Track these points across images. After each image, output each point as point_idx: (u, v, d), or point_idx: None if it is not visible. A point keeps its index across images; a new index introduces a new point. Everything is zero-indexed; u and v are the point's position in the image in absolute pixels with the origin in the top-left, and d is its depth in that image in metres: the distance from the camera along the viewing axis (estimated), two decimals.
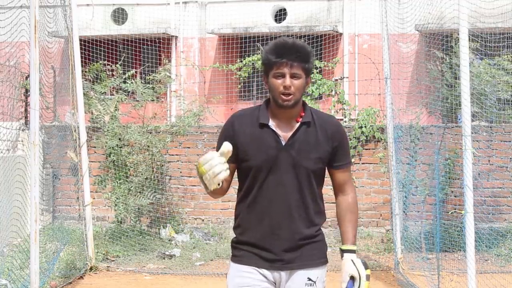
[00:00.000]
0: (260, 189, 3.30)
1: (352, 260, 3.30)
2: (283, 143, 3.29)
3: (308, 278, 3.33)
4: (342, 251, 3.35)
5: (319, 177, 3.36)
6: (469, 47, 6.07)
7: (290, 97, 3.23)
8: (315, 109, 3.42)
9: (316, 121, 3.34)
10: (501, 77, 9.23)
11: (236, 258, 3.39)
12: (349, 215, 3.39)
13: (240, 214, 3.39)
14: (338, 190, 3.44)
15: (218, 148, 3.27)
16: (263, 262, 3.31)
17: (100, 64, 11.21)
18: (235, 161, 3.32)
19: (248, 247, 3.34)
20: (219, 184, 3.14)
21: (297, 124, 3.31)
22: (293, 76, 3.22)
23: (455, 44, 9.23)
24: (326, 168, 3.40)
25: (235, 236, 3.43)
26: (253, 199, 3.32)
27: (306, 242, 3.33)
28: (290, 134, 3.30)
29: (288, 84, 3.21)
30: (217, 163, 3.08)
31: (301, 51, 3.23)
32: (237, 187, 3.45)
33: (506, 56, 9.49)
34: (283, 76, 3.22)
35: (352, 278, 3.29)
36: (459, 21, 5.99)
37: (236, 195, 3.47)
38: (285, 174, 3.28)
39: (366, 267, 3.31)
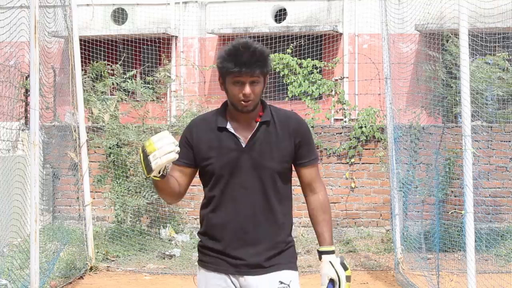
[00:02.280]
0: (223, 194, 3.19)
1: (330, 262, 3.18)
2: (243, 144, 3.18)
3: (279, 281, 3.19)
4: (320, 253, 3.23)
5: (284, 178, 3.23)
6: (469, 47, 6.08)
7: (249, 102, 3.13)
8: (275, 107, 3.31)
9: (276, 119, 3.23)
10: (495, 74, 9.22)
11: (203, 263, 3.29)
12: (323, 215, 3.26)
13: (204, 220, 3.28)
14: (307, 189, 3.30)
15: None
16: (229, 268, 3.20)
17: (101, 63, 11.21)
18: (193, 165, 3.24)
19: (214, 253, 3.23)
20: (163, 173, 3.02)
21: (257, 124, 3.21)
22: (252, 83, 3.12)
23: (447, 41, 9.23)
24: (291, 167, 3.27)
25: (200, 240, 3.32)
26: (217, 204, 3.21)
27: (274, 247, 3.20)
28: (249, 135, 3.20)
29: (249, 93, 3.11)
30: (169, 142, 2.96)
31: (261, 58, 3.11)
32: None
33: (501, 54, 9.49)
34: (242, 84, 3.12)
35: (332, 280, 3.17)
36: (459, 21, 5.99)
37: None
38: (248, 176, 3.17)
39: (346, 268, 3.18)
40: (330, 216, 3.30)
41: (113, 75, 10.96)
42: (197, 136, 3.22)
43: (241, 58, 3.09)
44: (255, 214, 3.18)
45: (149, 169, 2.98)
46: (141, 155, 2.99)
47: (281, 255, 3.23)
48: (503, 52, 9.42)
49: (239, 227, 3.18)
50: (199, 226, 11.00)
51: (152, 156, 2.95)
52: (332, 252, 3.22)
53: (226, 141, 3.19)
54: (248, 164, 3.17)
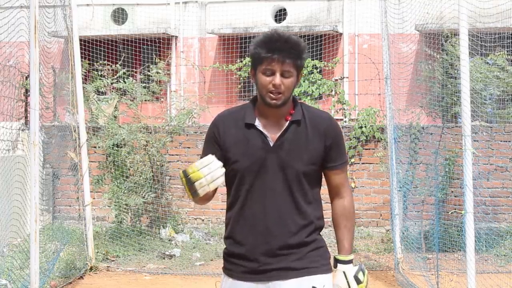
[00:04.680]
0: (248, 195, 3.05)
1: (344, 272, 3.07)
2: (271, 144, 3.04)
3: (313, 286, 3.04)
4: (336, 261, 3.11)
5: (312, 179, 3.09)
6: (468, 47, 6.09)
7: (279, 96, 2.98)
8: (307, 105, 3.16)
9: (307, 119, 3.07)
10: (492, 73, 9.22)
11: (228, 271, 3.15)
12: (345, 221, 3.13)
13: (229, 223, 3.14)
14: (333, 193, 3.17)
15: (204, 152, 3.08)
16: (257, 275, 3.06)
17: (87, 63, 11.18)
18: (222, 163, 3.04)
19: (240, 260, 3.09)
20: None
21: (286, 123, 3.05)
22: (283, 74, 2.97)
23: (446, 41, 9.23)
24: (320, 169, 3.13)
25: (225, 247, 3.18)
26: (242, 206, 3.07)
27: (304, 248, 3.06)
28: (278, 134, 3.04)
29: (278, 83, 2.96)
30: (217, 167, 2.86)
31: (295, 47, 2.97)
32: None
33: (500, 53, 9.49)
34: (273, 73, 2.96)
35: None
36: (459, 21, 5.99)
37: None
38: (274, 177, 3.03)
39: (359, 282, 3.06)
40: (353, 223, 3.17)
41: (103, 75, 10.95)
42: (223, 132, 3.08)
43: (274, 44, 2.96)
44: (282, 216, 3.04)
45: (195, 195, 2.89)
46: (184, 180, 2.88)
47: (313, 256, 3.08)
48: (502, 52, 9.42)
49: (266, 230, 3.04)
50: (198, 226, 10.98)
51: (198, 183, 2.85)
52: (349, 262, 3.10)
53: (254, 139, 3.04)
54: (275, 165, 3.03)
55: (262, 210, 3.05)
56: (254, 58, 3.02)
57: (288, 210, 3.05)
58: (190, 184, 2.87)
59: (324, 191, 3.24)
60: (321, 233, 3.18)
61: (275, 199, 3.04)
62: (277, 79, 2.97)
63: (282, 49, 2.96)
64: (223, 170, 2.88)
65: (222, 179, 2.88)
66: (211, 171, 2.85)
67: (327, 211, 3.12)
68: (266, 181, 3.04)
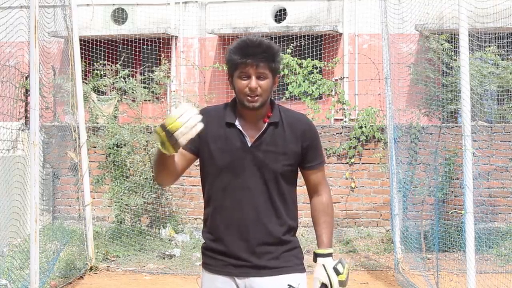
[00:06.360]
0: (225, 193, 3.13)
1: (323, 265, 3.14)
2: (249, 144, 3.13)
3: (288, 285, 3.14)
4: (315, 255, 3.18)
5: (289, 180, 3.18)
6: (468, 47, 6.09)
7: (257, 98, 3.08)
8: (284, 107, 3.26)
9: (285, 121, 3.17)
10: (486, 69, 9.21)
11: (207, 266, 3.23)
12: (323, 217, 3.23)
13: (208, 219, 3.22)
14: (311, 191, 3.28)
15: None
16: (234, 270, 3.15)
17: (85, 63, 11.19)
18: (196, 152, 3.16)
19: (218, 255, 3.17)
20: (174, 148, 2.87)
21: (265, 125, 3.15)
22: (259, 77, 3.07)
23: (426, 38, 9.24)
24: (297, 169, 3.23)
25: (204, 241, 3.26)
26: (219, 204, 3.15)
27: (279, 247, 3.15)
28: (257, 135, 3.14)
29: (254, 86, 3.06)
30: (194, 113, 2.84)
31: (267, 51, 3.09)
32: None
33: (490, 49, 9.47)
34: (248, 77, 3.07)
35: (325, 285, 3.10)
36: (459, 21, 6.00)
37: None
38: (251, 177, 3.12)
39: (338, 273, 3.11)
40: (332, 218, 3.26)
41: (105, 75, 10.96)
42: (206, 126, 3.04)
43: (248, 49, 3.08)
44: (258, 215, 3.12)
45: (177, 146, 2.85)
46: (163, 134, 2.82)
47: (288, 256, 3.17)
48: (493, 47, 9.41)
49: (243, 228, 3.12)
50: (198, 226, 10.97)
51: (179, 133, 2.80)
52: (328, 255, 3.17)
53: (232, 138, 3.13)
54: (252, 165, 3.12)
55: (239, 209, 3.13)
56: (230, 64, 3.13)
57: (265, 210, 3.14)
58: (169, 136, 2.83)
59: (304, 191, 3.30)
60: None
61: (251, 199, 3.13)
62: (253, 82, 3.07)
63: (255, 54, 3.07)
64: (200, 116, 2.85)
65: (200, 126, 2.84)
66: (190, 117, 2.82)
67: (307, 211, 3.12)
68: (243, 180, 3.13)
